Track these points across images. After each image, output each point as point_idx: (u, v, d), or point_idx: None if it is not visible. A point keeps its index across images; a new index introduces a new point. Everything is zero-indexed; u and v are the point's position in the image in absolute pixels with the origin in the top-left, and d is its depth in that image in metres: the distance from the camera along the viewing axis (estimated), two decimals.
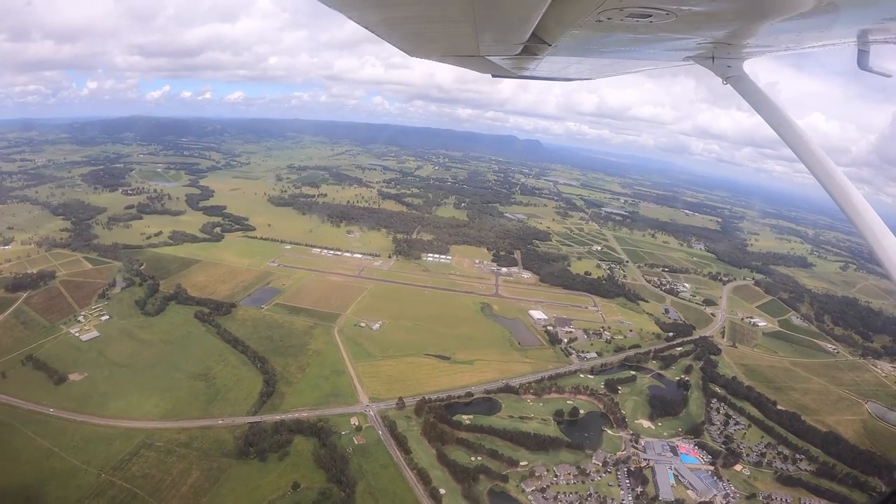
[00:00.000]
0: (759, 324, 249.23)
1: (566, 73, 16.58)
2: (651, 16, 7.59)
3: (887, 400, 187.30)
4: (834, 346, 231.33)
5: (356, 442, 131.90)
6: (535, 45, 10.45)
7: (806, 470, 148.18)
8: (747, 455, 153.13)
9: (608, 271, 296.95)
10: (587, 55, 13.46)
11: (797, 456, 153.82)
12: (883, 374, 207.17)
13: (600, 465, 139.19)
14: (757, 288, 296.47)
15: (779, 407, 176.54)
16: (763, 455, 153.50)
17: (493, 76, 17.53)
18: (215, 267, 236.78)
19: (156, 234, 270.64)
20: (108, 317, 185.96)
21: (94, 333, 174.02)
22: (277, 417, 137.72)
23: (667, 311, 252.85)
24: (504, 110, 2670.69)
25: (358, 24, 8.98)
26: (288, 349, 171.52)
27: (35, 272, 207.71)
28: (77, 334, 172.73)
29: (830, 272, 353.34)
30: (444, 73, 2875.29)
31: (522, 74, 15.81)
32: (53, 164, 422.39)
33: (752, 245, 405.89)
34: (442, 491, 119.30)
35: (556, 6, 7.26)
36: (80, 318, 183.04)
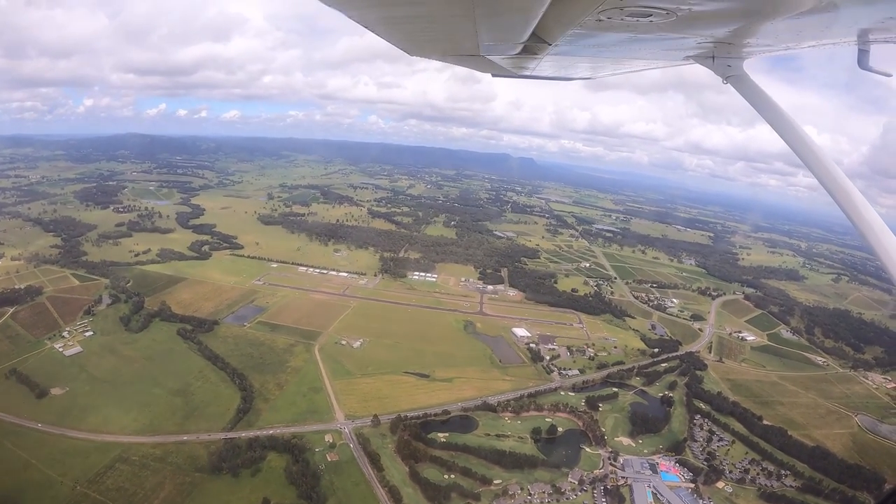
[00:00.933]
0: (748, 338, 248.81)
1: (566, 73, 16.92)
2: (651, 15, 7.75)
3: (877, 412, 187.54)
4: (824, 359, 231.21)
5: (329, 459, 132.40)
6: (535, 45, 10.56)
7: (791, 486, 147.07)
8: (730, 472, 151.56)
9: (595, 288, 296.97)
10: (587, 54, 13.45)
11: (782, 472, 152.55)
12: (874, 386, 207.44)
13: (576, 483, 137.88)
14: (746, 302, 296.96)
15: (765, 422, 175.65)
16: (746, 471, 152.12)
17: (494, 76, 17.78)
18: (201, 285, 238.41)
19: (144, 252, 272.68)
20: (91, 333, 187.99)
21: (78, 349, 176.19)
22: (252, 434, 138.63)
23: (653, 326, 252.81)
24: (498, 129, 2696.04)
25: (358, 23, 9.11)
26: (267, 366, 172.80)
27: (23, 288, 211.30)
28: (61, 349, 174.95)
29: (822, 284, 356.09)
30: (436, 91, 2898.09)
31: (522, 74, 15.89)
32: (47, 181, 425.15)
33: (743, 259, 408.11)
34: None
35: (556, 6, 7.42)
36: (65, 334, 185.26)
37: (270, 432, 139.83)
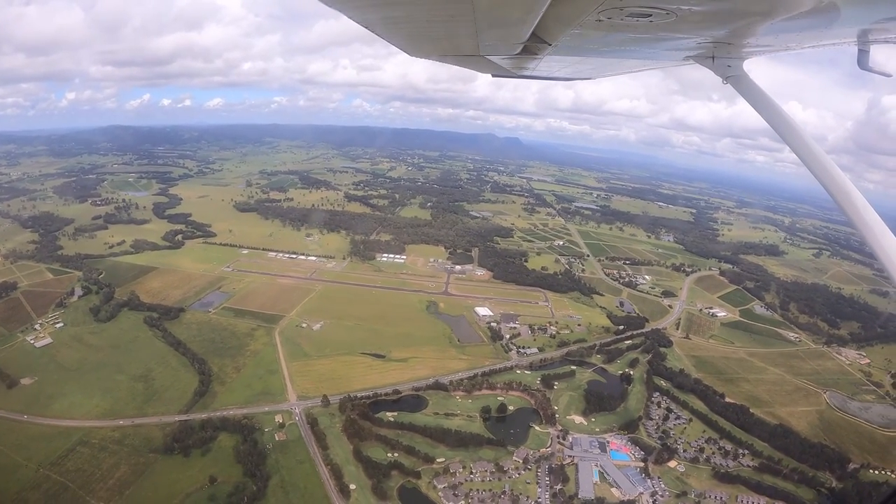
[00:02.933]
0: (718, 314, 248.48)
1: (566, 73, 17.02)
2: (651, 15, 7.80)
3: (848, 389, 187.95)
4: (797, 335, 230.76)
5: (277, 438, 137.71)
6: (535, 45, 10.67)
7: (748, 465, 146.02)
8: (685, 451, 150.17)
9: (567, 266, 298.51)
10: (587, 55, 13.58)
11: (740, 451, 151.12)
12: (847, 362, 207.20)
13: (521, 462, 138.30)
14: (721, 278, 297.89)
15: (727, 399, 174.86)
16: (702, 450, 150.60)
17: (494, 76, 17.89)
18: (171, 273, 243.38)
19: (118, 244, 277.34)
20: (62, 324, 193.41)
21: (48, 340, 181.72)
22: (206, 415, 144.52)
23: (621, 304, 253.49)
24: (484, 109, 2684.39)
25: (359, 24, 9.23)
26: (227, 350, 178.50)
27: None
28: (32, 341, 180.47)
29: (803, 259, 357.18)
30: (417, 73, 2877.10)
31: (522, 74, 16.08)
32: (28, 178, 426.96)
33: (723, 235, 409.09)
34: (352, 486, 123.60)
35: (556, 6, 7.47)
36: (37, 327, 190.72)
37: (223, 414, 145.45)
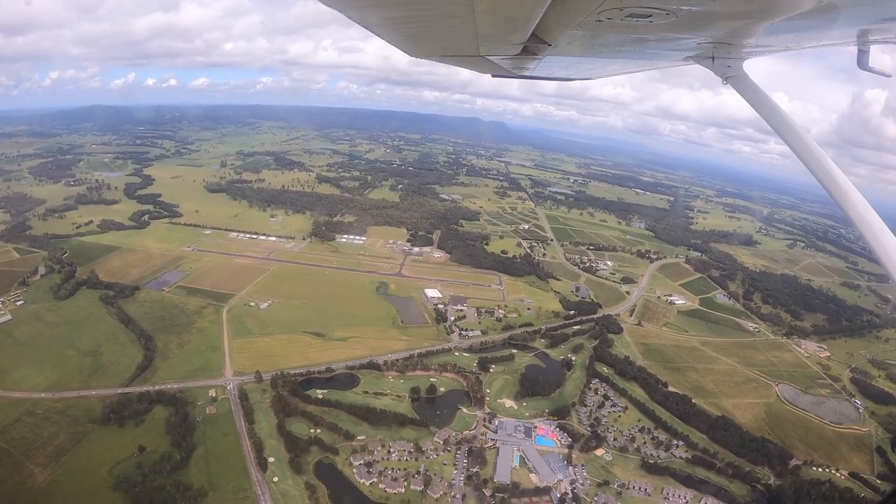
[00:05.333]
0: (677, 301, 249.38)
1: (566, 73, 17.14)
2: (651, 16, 7.79)
3: (803, 382, 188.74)
4: (756, 325, 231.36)
5: (208, 412, 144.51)
6: (535, 45, 10.65)
7: (681, 457, 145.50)
8: (615, 439, 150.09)
9: (528, 250, 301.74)
10: (587, 55, 13.51)
11: (674, 442, 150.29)
12: (805, 355, 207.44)
13: (441, 443, 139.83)
14: (687, 266, 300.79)
15: (670, 389, 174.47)
16: (633, 440, 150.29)
17: (493, 76, 17.74)
18: (132, 253, 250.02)
19: (86, 224, 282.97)
20: (22, 302, 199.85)
21: (8, 317, 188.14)
22: (145, 389, 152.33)
23: (577, 289, 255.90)
24: (470, 93, 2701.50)
25: (358, 24, 9.20)
26: (175, 328, 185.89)
27: None
28: None
29: (775, 250, 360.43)
30: (399, 56, 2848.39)
31: (522, 74, 16.04)
32: (5, 158, 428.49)
33: (697, 223, 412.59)
34: (271, 460, 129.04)
35: (556, 6, 7.54)
36: None
37: (161, 388, 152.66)
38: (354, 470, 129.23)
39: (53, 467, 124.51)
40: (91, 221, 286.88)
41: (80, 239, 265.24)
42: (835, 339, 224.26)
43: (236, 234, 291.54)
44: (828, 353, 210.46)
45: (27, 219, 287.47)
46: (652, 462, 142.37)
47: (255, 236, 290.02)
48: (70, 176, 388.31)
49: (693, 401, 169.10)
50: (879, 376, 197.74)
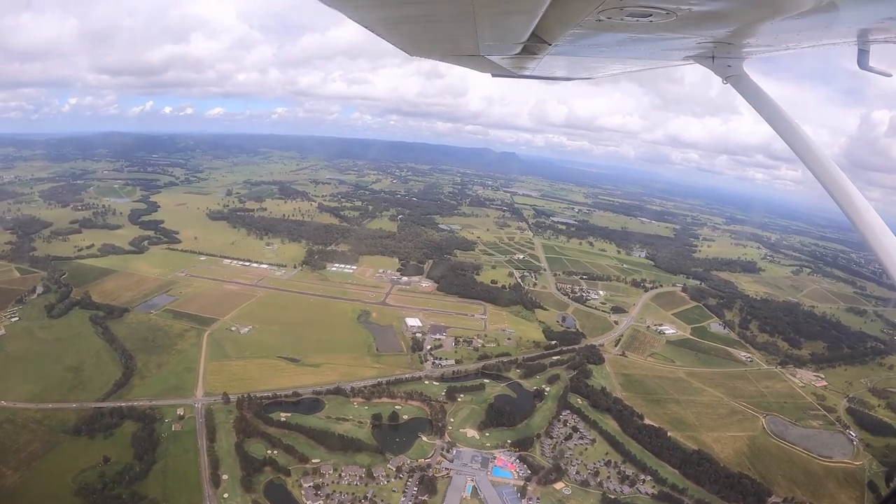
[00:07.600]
0: (666, 331, 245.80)
1: (566, 73, 17.23)
2: (651, 15, 7.82)
3: (793, 413, 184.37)
4: (749, 355, 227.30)
5: (174, 429, 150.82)
6: (535, 45, 10.71)
7: (646, 493, 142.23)
8: (578, 472, 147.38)
9: (519, 279, 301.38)
10: (587, 55, 13.49)
11: (641, 477, 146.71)
12: (800, 385, 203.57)
13: (394, 470, 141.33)
14: (683, 294, 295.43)
15: (646, 421, 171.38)
16: (596, 473, 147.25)
17: (493, 75, 17.88)
18: (127, 276, 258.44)
19: (87, 247, 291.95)
20: (17, 318, 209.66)
21: (2, 332, 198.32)
22: (118, 404, 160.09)
23: (564, 318, 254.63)
24: (482, 123, 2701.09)
25: (358, 23, 9.27)
26: (156, 349, 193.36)
27: None
28: None
29: (779, 276, 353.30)
30: (407, 87, 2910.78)
31: (522, 74, 16.02)
32: (19, 181, 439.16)
33: (700, 251, 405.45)
34: (224, 477, 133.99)
35: (556, 6, 7.54)
36: None
37: (133, 404, 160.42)
38: (303, 492, 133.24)
39: (24, 471, 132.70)
40: (92, 245, 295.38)
41: (80, 261, 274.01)
42: (834, 367, 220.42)
43: (230, 260, 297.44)
44: (825, 383, 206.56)
45: (32, 240, 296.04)
46: (613, 497, 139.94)
47: (247, 263, 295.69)
48: (79, 200, 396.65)
49: (668, 434, 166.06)
50: (879, 406, 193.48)
